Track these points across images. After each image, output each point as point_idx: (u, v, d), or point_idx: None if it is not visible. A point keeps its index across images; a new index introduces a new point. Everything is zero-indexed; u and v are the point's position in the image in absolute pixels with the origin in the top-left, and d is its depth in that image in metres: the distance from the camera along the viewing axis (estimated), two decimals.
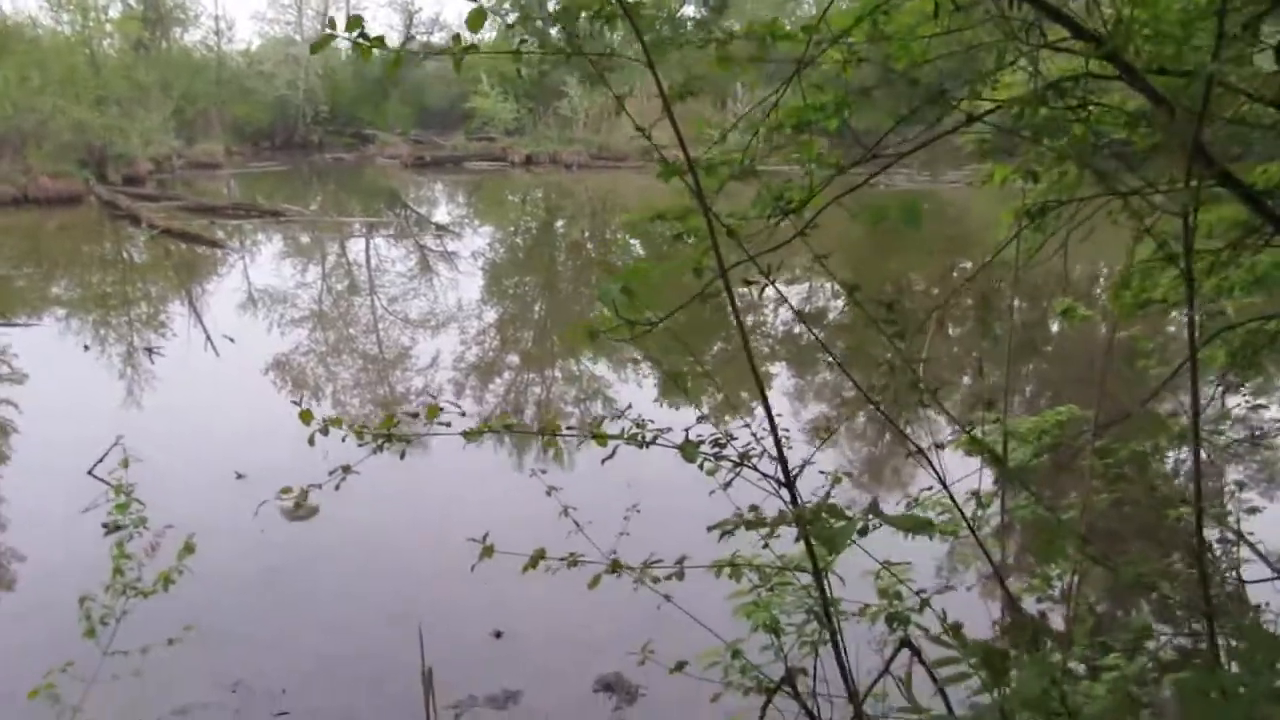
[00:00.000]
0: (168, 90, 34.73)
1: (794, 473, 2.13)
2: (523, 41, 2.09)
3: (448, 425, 2.26)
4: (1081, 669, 4.00)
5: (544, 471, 2.75)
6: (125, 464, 3.80)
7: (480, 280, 19.77)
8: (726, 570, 2.79)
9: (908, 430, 2.65)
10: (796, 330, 14.64)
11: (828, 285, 16.04)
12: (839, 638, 2.29)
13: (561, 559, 2.45)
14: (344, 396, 11.86)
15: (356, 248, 22.83)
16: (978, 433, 2.30)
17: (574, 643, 6.01)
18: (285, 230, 24.17)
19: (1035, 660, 1.49)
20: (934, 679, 2.67)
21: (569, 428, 2.37)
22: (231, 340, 13.72)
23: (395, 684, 5.26)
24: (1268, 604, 4.27)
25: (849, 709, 2.42)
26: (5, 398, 11.26)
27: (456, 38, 1.95)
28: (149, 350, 13.39)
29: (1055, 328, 14.19)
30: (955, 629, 1.67)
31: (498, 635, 6.19)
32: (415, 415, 2.31)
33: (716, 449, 2.21)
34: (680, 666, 2.75)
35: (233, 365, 12.69)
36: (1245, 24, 2.08)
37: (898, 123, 2.33)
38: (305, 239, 23.52)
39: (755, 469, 2.20)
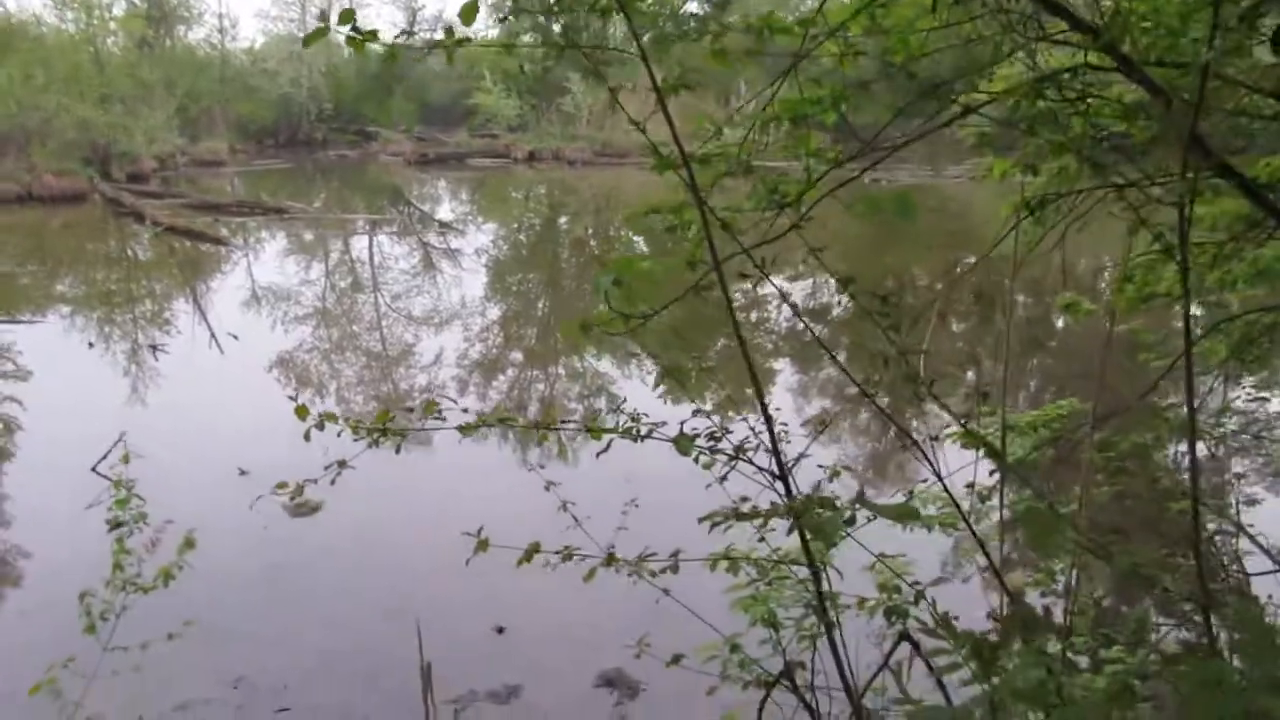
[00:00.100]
0: (171, 88, 34.75)
1: (789, 466, 2.12)
2: (517, 35, 2.08)
3: (443, 419, 2.26)
4: (1085, 662, 3.99)
5: (543, 466, 2.75)
6: (126, 459, 3.81)
7: (483, 277, 19.77)
8: (726, 565, 2.79)
9: (909, 425, 2.64)
10: (800, 327, 14.63)
11: (831, 281, 16.04)
12: (836, 631, 2.28)
13: (556, 552, 2.45)
14: (348, 394, 11.88)
15: (360, 245, 22.85)
16: (975, 425, 2.30)
17: (575, 638, 6.02)
18: (289, 227, 24.20)
19: (1027, 650, 1.49)
20: (933, 672, 2.67)
21: (562, 421, 2.37)
22: (235, 338, 13.74)
23: (396, 679, 5.26)
24: (1270, 597, 4.27)
25: (848, 702, 2.41)
26: (10, 395, 11.29)
27: (449, 30, 1.95)
28: (153, 348, 13.41)
29: (1060, 323, 14.17)
30: (945, 619, 1.67)
31: (500, 630, 6.20)
32: (411, 410, 2.31)
33: (712, 442, 2.21)
34: (677, 659, 2.75)
35: (237, 363, 12.71)
36: (1241, 15, 2.07)
37: (895, 116, 2.33)
38: (309, 236, 23.54)
39: (750, 462, 2.19)
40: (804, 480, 2.41)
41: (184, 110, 35.78)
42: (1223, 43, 2.14)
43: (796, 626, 2.70)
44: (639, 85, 2.17)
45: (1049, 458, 5.21)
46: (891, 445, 9.73)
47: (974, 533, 2.38)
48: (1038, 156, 3.08)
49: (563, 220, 29.28)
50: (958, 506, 2.42)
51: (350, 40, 1.85)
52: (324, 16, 1.80)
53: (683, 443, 2.16)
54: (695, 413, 2.28)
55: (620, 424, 2.22)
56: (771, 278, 2.29)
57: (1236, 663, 2.28)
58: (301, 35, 42.87)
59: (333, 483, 2.27)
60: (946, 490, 2.33)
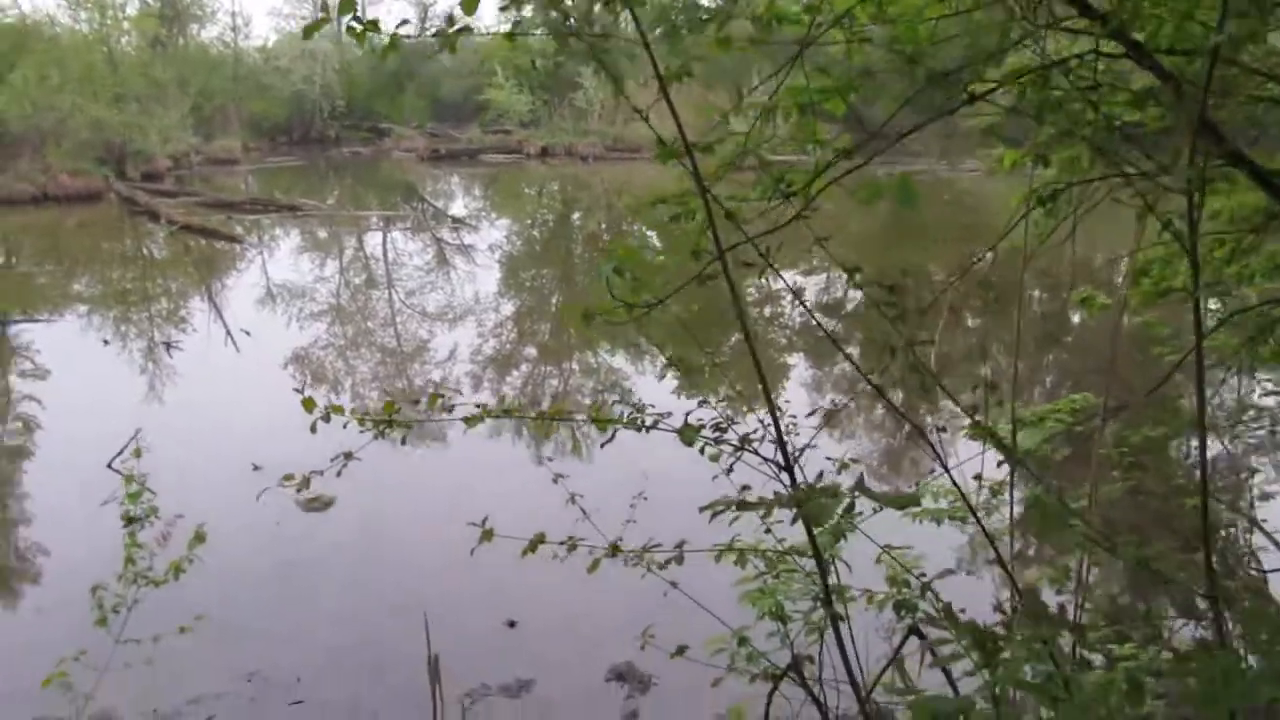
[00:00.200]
0: (185, 87, 34.89)
1: (795, 456, 2.11)
2: (518, 23, 2.07)
3: (450, 411, 2.25)
4: (1099, 660, 3.96)
5: (551, 459, 2.74)
6: (138, 453, 3.83)
7: (497, 273, 19.79)
8: (734, 559, 2.78)
9: (921, 419, 2.62)
10: (814, 322, 14.54)
11: (845, 277, 15.96)
12: (843, 624, 2.27)
13: (561, 543, 2.45)
14: (362, 390, 11.91)
15: (374, 241, 22.91)
16: (982, 416, 2.28)
17: (586, 633, 6.02)
18: (303, 225, 24.28)
19: (1024, 640, 1.47)
20: (941, 665, 2.66)
21: (567, 412, 2.36)
22: (248, 334, 13.80)
23: (407, 673, 5.27)
24: None
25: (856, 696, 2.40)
26: (29, 394, 11.38)
27: (450, 19, 1.94)
28: (167, 344, 13.49)
29: (1076, 318, 14.08)
30: (949, 610, 1.65)
31: (511, 625, 6.21)
32: (417, 402, 2.31)
33: (717, 433, 2.20)
34: (681, 651, 2.74)
35: (252, 360, 12.77)
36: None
37: (902, 105, 2.31)
38: (323, 233, 23.62)
39: (756, 453, 2.18)
40: (813, 474, 2.39)
41: (198, 109, 35.91)
42: (1235, 28, 2.11)
43: (805, 620, 2.69)
44: (649, 80, 2.16)
45: (1062, 455, 5.18)
46: (904, 441, 9.70)
47: (982, 526, 2.36)
48: (1048, 147, 3.05)
49: (576, 216, 29.29)
50: (965, 499, 2.40)
51: (351, 30, 1.85)
52: (325, 8, 1.80)
53: (687, 433, 2.15)
54: (700, 403, 2.27)
55: (624, 415, 2.21)
56: (783, 272, 2.28)
57: (1250, 660, 2.26)
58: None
59: (339, 474, 2.27)
60: (953, 481, 2.31)
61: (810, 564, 2.56)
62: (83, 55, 30.10)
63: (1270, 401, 5.95)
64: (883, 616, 2.72)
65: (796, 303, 15.78)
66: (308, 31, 2.06)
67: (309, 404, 2.21)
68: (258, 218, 24.77)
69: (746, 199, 2.10)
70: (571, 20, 2.02)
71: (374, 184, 34.31)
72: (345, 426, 2.27)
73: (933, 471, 2.58)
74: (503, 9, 1.86)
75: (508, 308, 16.73)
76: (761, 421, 2.25)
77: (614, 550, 2.48)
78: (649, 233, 20.55)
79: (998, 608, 3.57)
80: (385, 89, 44.10)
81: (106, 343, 13.75)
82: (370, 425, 2.25)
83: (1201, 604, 4.78)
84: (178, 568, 3.67)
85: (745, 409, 2.39)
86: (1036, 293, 15.62)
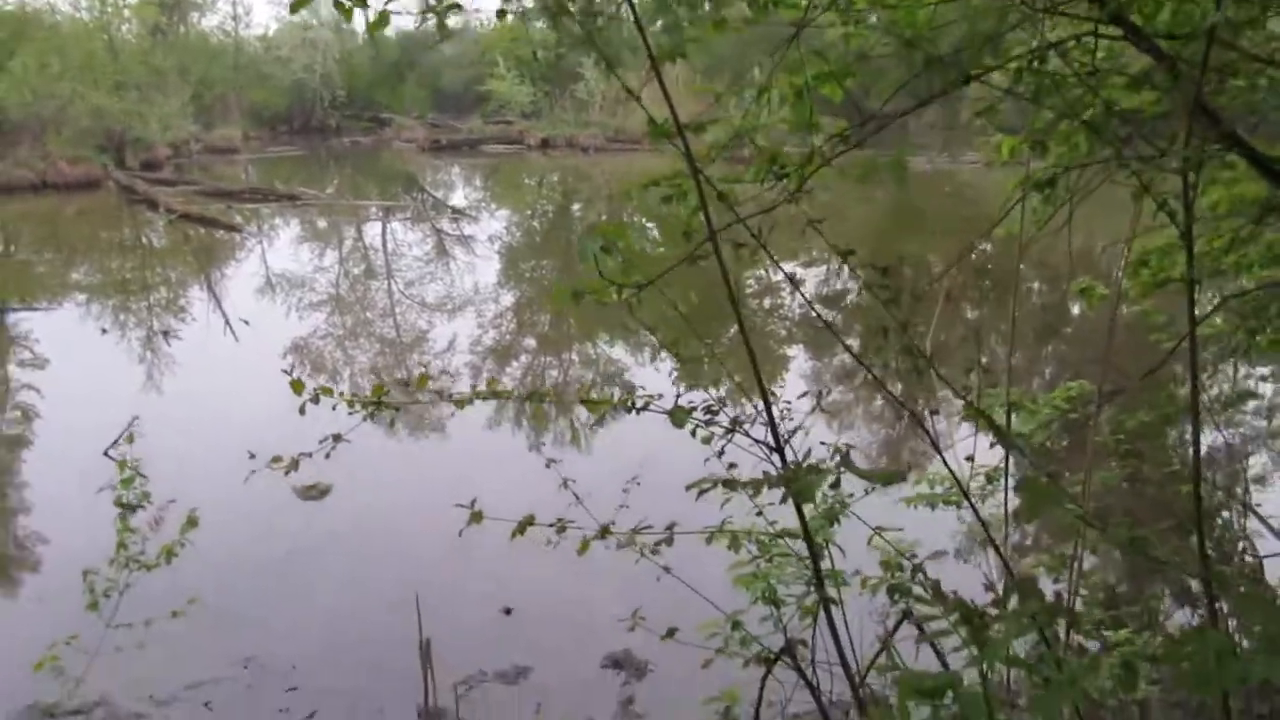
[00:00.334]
0: (185, 75, 34.80)
1: (786, 438, 2.10)
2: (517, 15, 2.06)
3: (438, 393, 2.24)
4: (1095, 647, 3.96)
5: (544, 445, 2.73)
6: (131, 439, 3.83)
7: (497, 264, 19.78)
8: (727, 543, 2.78)
9: (919, 409, 2.61)
10: (814, 313, 14.55)
11: (846, 268, 15.92)
12: (836, 608, 2.27)
13: (550, 524, 2.44)
14: (361, 380, 11.90)
15: (373, 232, 22.87)
16: (976, 399, 2.27)
17: (582, 620, 6.03)
18: (302, 214, 24.24)
19: (1013, 615, 1.46)
20: (936, 651, 2.65)
21: (557, 393, 2.36)
22: (247, 323, 13.78)
23: (404, 660, 5.27)
24: None
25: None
26: (27, 383, 11.38)
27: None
28: (165, 333, 13.48)
29: (1075, 309, 14.07)
30: (937, 587, 1.65)
31: (508, 612, 6.22)
32: (406, 384, 2.30)
33: (709, 415, 2.19)
34: (671, 633, 2.74)
35: (251, 350, 12.76)
36: None
37: (899, 88, 2.29)
38: (322, 223, 23.58)
39: (747, 434, 2.17)
40: (807, 462, 2.38)
41: (198, 97, 35.82)
42: (1233, 12, 2.10)
43: (799, 604, 2.69)
44: (650, 72, 2.15)
45: (1060, 445, 5.16)
46: (903, 432, 9.69)
47: (974, 508, 2.35)
48: (1045, 133, 3.03)
49: (576, 207, 29.24)
50: (957, 481, 2.39)
51: (338, 5, 1.83)
52: None
53: (678, 415, 2.14)
54: (690, 387, 2.26)
55: (613, 396, 2.20)
56: (782, 264, 2.27)
57: (1245, 644, 2.25)
58: (315, 21, 42.95)
59: (327, 456, 2.26)
60: (945, 464, 2.30)
61: (804, 548, 2.55)
62: (83, 43, 30.03)
63: (1266, 389, 5.95)
64: (877, 601, 2.71)
65: (795, 294, 15.76)
66: (294, 7, 2.04)
67: (297, 386, 2.20)
68: (257, 207, 24.73)
69: (740, 180, 2.08)
70: (570, 2, 2.00)
71: (374, 174, 34.26)
72: (334, 408, 2.26)
73: (925, 454, 2.56)
74: None
75: (507, 299, 16.71)
76: (755, 407, 2.24)
77: (604, 532, 2.47)
78: (648, 224, 20.52)
79: (989, 588, 3.56)
80: (386, 79, 43.97)
81: (105, 331, 13.75)
82: (360, 407, 2.24)
83: (1196, 587, 4.78)
84: (169, 551, 3.66)
85: (743, 400, 2.37)
86: (1035, 284, 15.61)
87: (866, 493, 2.04)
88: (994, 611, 1.57)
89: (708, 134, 2.23)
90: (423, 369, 12.13)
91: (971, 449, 3.36)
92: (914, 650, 2.92)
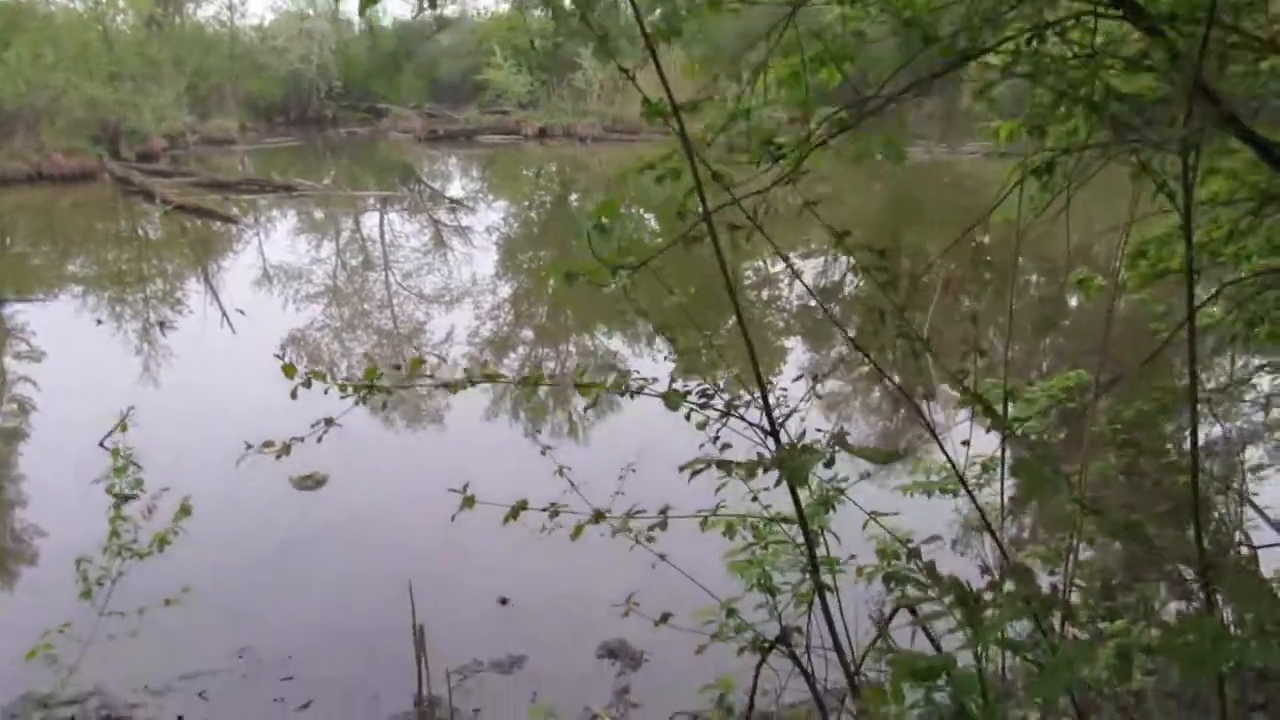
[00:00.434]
0: (180, 66, 34.62)
1: (780, 422, 2.08)
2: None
3: (430, 376, 2.23)
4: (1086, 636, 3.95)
5: (539, 431, 2.71)
6: (124, 427, 3.79)
7: (494, 255, 19.73)
8: (722, 530, 2.77)
9: (917, 399, 2.59)
10: (811, 304, 14.54)
11: (843, 260, 15.93)
12: (831, 595, 2.25)
13: (544, 509, 2.42)
14: (358, 371, 11.86)
15: (370, 223, 22.82)
16: (972, 385, 2.25)
17: (578, 610, 6.02)
18: (299, 205, 24.17)
19: (1008, 598, 1.45)
20: (931, 640, 2.64)
21: (550, 377, 2.34)
22: (242, 313, 13.75)
23: (399, 650, 5.25)
24: (1277, 571, 4.22)
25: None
26: (24, 375, 11.35)
27: None
28: (161, 324, 13.45)
29: (1073, 301, 14.07)
30: (931, 568, 1.63)
31: (503, 602, 6.21)
32: (398, 367, 2.28)
33: (704, 399, 2.17)
34: (665, 618, 2.73)
35: (248, 341, 12.72)
36: None
37: (899, 68, 2.27)
38: (319, 214, 23.51)
39: (741, 418, 2.16)
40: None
41: (193, 88, 35.64)
42: None
43: (794, 591, 2.68)
44: (643, 48, 2.12)
45: (1057, 439, 5.15)
46: (901, 423, 9.69)
47: (970, 493, 2.34)
48: (1043, 116, 3.01)
49: (574, 197, 29.17)
50: (954, 466, 2.38)
51: None
52: None
53: (672, 398, 2.12)
54: (686, 371, 2.24)
55: (607, 380, 2.18)
56: (774, 254, 2.25)
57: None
58: (311, 12, 42.78)
59: (320, 440, 2.25)
60: (942, 448, 2.29)
61: (799, 534, 2.54)
62: (77, 33, 29.87)
63: (1264, 380, 5.93)
64: (872, 590, 2.70)
65: (793, 286, 15.74)
66: None
67: (289, 370, 2.18)
68: (254, 198, 24.65)
69: (736, 160, 2.06)
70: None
71: (371, 164, 34.15)
72: (326, 392, 2.24)
73: (921, 444, 2.55)
74: None
75: (505, 290, 16.68)
76: (749, 390, 2.22)
77: (598, 517, 2.46)
78: (647, 215, 20.48)
79: (985, 571, 3.56)
80: (383, 69, 43.86)
81: (100, 322, 13.71)
82: (351, 391, 2.22)
83: (1190, 576, 4.78)
84: (162, 539, 3.64)
85: (741, 393, 2.35)
86: (1033, 277, 15.60)
87: (862, 477, 2.03)
88: (989, 596, 1.55)
89: (704, 116, 2.21)
90: (420, 358, 12.10)
91: (968, 438, 3.35)
92: (909, 640, 2.91)
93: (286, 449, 2.26)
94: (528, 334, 13.99)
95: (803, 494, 2.23)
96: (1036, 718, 3.16)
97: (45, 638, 3.49)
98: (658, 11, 2.36)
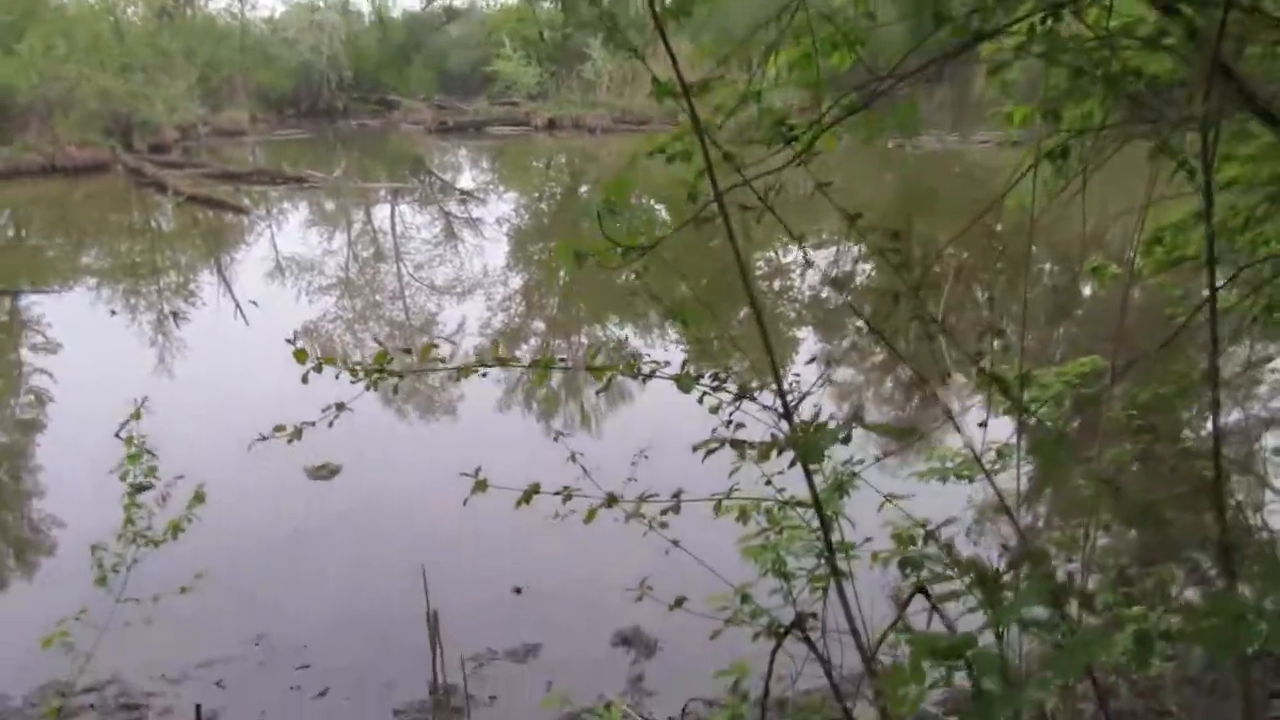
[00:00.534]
0: (191, 58, 34.66)
1: (794, 405, 2.07)
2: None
3: (441, 360, 2.22)
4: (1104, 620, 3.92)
5: (552, 424, 2.70)
6: (138, 415, 3.81)
7: (505, 246, 19.74)
8: (736, 515, 2.75)
9: (934, 393, 2.57)
10: (823, 295, 14.51)
11: (854, 250, 15.87)
12: (847, 581, 2.24)
13: (556, 493, 2.42)
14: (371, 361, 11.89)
15: (381, 214, 22.85)
16: (988, 366, 2.23)
17: (592, 599, 6.02)
18: (310, 196, 24.21)
19: (1032, 576, 1.44)
20: (947, 625, 2.63)
21: (561, 360, 2.33)
22: (255, 304, 13.79)
23: (413, 639, 5.28)
24: None
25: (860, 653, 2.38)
26: (40, 366, 11.41)
27: None
28: (174, 315, 13.50)
29: (1087, 290, 13.99)
30: (950, 547, 1.62)
31: (518, 591, 6.22)
32: (409, 351, 2.28)
33: (716, 383, 2.16)
34: (679, 602, 2.72)
35: (262, 332, 12.76)
36: None
37: (912, 49, 2.25)
38: (330, 205, 23.54)
39: (754, 399, 2.14)
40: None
41: (205, 80, 35.70)
42: None
43: (809, 576, 2.66)
44: (658, 51, 2.11)
45: (1073, 427, 5.10)
46: (913, 413, 9.66)
47: (987, 473, 2.32)
48: (1059, 101, 2.98)
49: (584, 189, 29.13)
50: (970, 448, 2.36)
51: None
52: None
53: (684, 380, 2.11)
54: (697, 358, 2.23)
55: (618, 363, 2.17)
56: (791, 247, 2.23)
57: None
58: (321, 3, 42.75)
59: (331, 424, 2.25)
60: (958, 429, 2.27)
61: (814, 521, 2.52)
62: (89, 25, 29.94)
63: None
64: (887, 576, 2.69)
65: (804, 276, 15.67)
66: None
67: (301, 355, 2.18)
68: (265, 189, 24.70)
69: (749, 141, 2.05)
70: None
71: (381, 156, 34.18)
72: (337, 376, 2.24)
73: (935, 431, 2.54)
74: None
75: (516, 281, 16.69)
76: (761, 378, 2.21)
77: (611, 500, 2.45)
78: (657, 205, 20.44)
79: (1003, 546, 3.53)
80: (393, 61, 43.79)
81: (114, 314, 13.78)
82: (363, 375, 2.22)
83: (1208, 566, 4.75)
84: (176, 526, 3.66)
85: (754, 381, 2.34)
86: (1046, 266, 15.51)
87: (876, 459, 2.01)
88: (1008, 577, 1.54)
89: (715, 97, 2.19)
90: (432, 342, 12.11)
91: (984, 424, 3.33)
92: (925, 625, 2.90)
93: (298, 433, 2.26)
94: (539, 325, 14.00)
95: (817, 480, 2.22)
96: (1053, 704, 3.15)
97: (61, 624, 3.51)
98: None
